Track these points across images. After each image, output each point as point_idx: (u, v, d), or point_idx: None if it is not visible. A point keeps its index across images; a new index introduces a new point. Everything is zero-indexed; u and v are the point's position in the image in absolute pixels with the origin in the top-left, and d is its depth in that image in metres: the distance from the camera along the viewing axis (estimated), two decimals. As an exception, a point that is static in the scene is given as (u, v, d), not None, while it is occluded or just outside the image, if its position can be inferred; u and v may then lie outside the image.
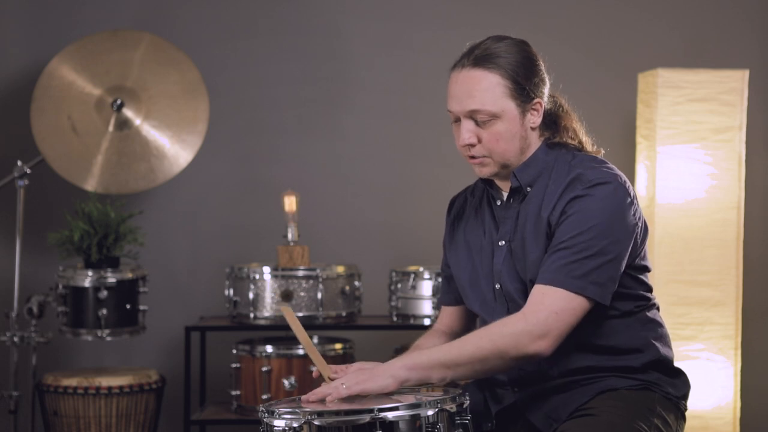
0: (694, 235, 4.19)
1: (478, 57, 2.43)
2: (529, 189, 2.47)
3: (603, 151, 2.55)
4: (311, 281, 4.06)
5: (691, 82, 4.19)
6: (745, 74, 4.23)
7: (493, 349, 2.31)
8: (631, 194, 2.41)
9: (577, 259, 2.33)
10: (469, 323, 2.71)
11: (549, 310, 2.32)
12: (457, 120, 2.46)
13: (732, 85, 4.20)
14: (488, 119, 2.42)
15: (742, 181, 4.23)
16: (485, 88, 2.41)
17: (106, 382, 4.02)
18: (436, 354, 2.33)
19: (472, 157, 2.47)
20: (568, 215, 2.37)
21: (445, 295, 2.72)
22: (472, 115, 2.43)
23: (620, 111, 4.57)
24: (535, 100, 2.45)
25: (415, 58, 4.63)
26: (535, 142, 2.49)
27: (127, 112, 4.24)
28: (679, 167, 4.20)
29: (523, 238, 2.44)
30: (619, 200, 2.38)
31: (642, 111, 4.31)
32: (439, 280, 3.98)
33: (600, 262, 2.34)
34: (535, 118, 2.47)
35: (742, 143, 4.22)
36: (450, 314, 2.71)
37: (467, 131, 2.44)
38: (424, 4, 4.67)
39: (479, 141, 2.44)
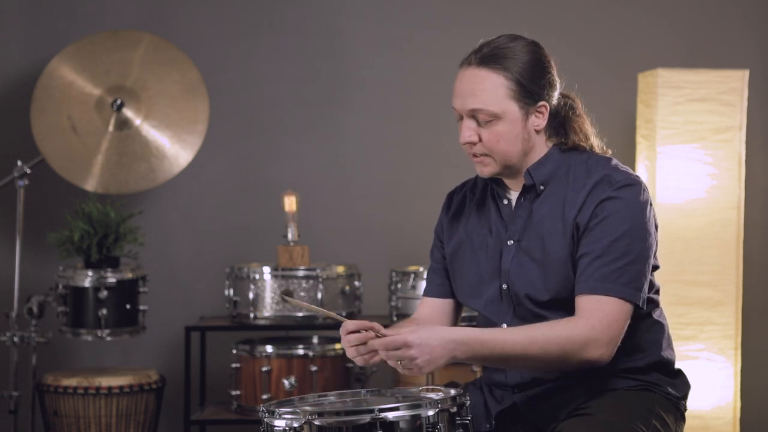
0: (694, 235, 4.19)
1: (486, 56, 2.42)
2: (542, 187, 2.46)
3: (611, 151, 2.56)
4: (311, 281, 4.06)
5: (691, 82, 4.19)
6: (745, 74, 4.22)
7: (560, 354, 2.31)
8: (649, 195, 2.44)
9: (622, 266, 2.35)
10: (450, 318, 2.64)
11: (611, 319, 2.34)
12: (462, 117, 2.46)
13: (732, 85, 4.20)
14: (489, 119, 2.41)
15: (742, 181, 4.23)
16: (488, 89, 2.41)
17: (106, 382, 4.02)
18: (498, 347, 2.29)
19: (474, 156, 2.47)
20: (601, 218, 2.37)
21: (432, 287, 2.64)
22: (473, 114, 2.43)
23: (620, 111, 4.57)
24: (540, 104, 2.44)
25: (415, 58, 4.63)
26: (540, 144, 2.48)
27: (127, 112, 4.24)
28: (679, 167, 4.19)
29: (541, 237, 2.43)
30: (645, 202, 2.41)
31: (642, 111, 4.31)
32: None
33: (640, 267, 2.37)
34: (539, 121, 2.45)
35: (742, 143, 4.22)
36: (431, 306, 2.64)
37: (468, 129, 2.44)
38: (424, 4, 4.67)
39: (480, 140, 2.44)
